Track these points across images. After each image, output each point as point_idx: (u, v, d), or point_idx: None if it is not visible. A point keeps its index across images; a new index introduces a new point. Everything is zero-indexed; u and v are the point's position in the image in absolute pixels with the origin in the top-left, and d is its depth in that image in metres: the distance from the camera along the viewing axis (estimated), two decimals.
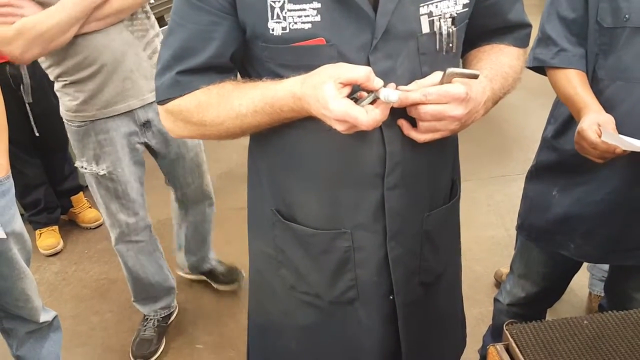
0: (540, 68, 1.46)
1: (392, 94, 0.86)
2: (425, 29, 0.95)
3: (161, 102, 1.01)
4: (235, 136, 1.01)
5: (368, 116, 0.85)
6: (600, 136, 1.23)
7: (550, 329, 1.00)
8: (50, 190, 2.93)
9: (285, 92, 0.91)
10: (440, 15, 0.95)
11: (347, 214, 1.04)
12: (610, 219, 1.43)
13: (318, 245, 1.08)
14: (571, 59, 1.38)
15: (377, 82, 0.87)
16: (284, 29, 0.91)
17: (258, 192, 1.15)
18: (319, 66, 0.91)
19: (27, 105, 2.66)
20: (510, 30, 1.10)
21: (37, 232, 2.92)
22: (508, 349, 0.98)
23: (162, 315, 2.30)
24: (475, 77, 0.92)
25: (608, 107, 1.33)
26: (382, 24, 0.91)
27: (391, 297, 1.12)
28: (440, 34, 0.96)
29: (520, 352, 0.95)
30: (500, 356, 0.97)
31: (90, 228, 3.08)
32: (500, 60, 1.05)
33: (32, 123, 2.69)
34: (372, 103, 0.89)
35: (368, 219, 1.04)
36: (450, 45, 0.98)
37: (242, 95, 0.95)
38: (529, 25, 1.12)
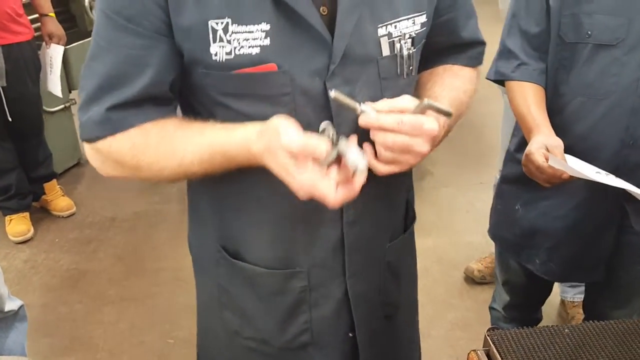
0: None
1: (360, 162, 0.76)
2: (386, 51, 0.88)
3: (88, 139, 0.87)
4: (176, 181, 0.90)
5: (337, 194, 0.77)
6: (547, 160, 1.20)
7: (532, 336, 0.99)
8: (22, 175, 2.85)
9: (239, 145, 0.81)
10: (400, 36, 0.88)
11: (303, 252, 0.95)
12: (573, 235, 1.42)
13: (269, 286, 0.98)
14: (531, 73, 1.36)
15: (320, 150, 0.75)
16: (228, 53, 0.80)
17: (199, 228, 1.04)
18: (269, 95, 0.83)
19: (0, 89, 2.59)
20: (465, 48, 1.05)
21: (7, 218, 2.84)
22: (489, 355, 0.97)
23: None
24: (448, 115, 0.84)
25: (570, 123, 1.32)
26: (340, 47, 0.83)
27: (351, 335, 1.03)
28: (401, 56, 0.90)
29: (501, 358, 0.95)
30: None
31: (63, 216, 3.00)
32: (455, 86, 0.99)
33: (5, 107, 2.62)
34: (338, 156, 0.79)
35: (326, 257, 0.96)
36: (411, 67, 0.92)
37: (186, 140, 0.84)
38: (483, 43, 1.06)
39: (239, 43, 0.79)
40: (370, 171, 0.85)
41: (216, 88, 0.84)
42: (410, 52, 0.91)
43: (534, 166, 1.22)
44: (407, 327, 1.20)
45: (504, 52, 1.40)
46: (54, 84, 2.84)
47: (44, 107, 2.99)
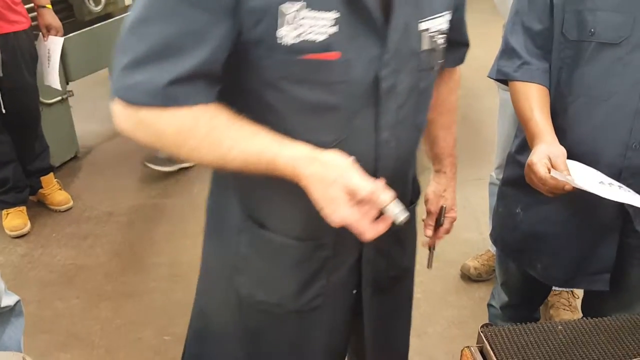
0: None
1: (401, 214, 0.79)
2: (425, 45, 0.93)
3: (131, 103, 0.82)
4: (208, 167, 0.90)
5: (373, 230, 0.82)
6: (550, 171, 1.18)
7: (525, 333, 1.00)
8: (19, 169, 2.83)
9: (287, 161, 0.82)
10: (436, 31, 0.94)
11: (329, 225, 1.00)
12: (574, 241, 1.40)
13: (295, 256, 1.02)
14: (534, 72, 1.33)
15: (383, 200, 0.79)
16: (295, 37, 0.81)
17: (223, 196, 1.05)
18: (326, 82, 0.85)
19: None
20: (460, 46, 1.15)
21: (4, 212, 2.83)
22: (482, 351, 0.97)
23: None
24: None
25: (572, 124, 1.30)
26: (395, 38, 0.87)
27: (354, 292, 1.11)
28: (436, 50, 0.96)
29: (494, 354, 0.95)
30: (474, 358, 0.96)
31: (60, 211, 2.99)
32: (451, 104, 1.22)
33: (0, 98, 2.60)
34: None
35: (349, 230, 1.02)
36: (440, 62, 0.99)
37: (237, 139, 0.83)
38: (469, 45, 1.19)
39: (308, 28, 0.81)
40: (403, 160, 1.01)
41: (274, 71, 0.85)
42: (443, 47, 0.97)
43: (537, 177, 1.21)
44: (404, 291, 1.28)
45: (507, 51, 1.38)
46: (52, 77, 2.82)
47: (41, 99, 2.97)
